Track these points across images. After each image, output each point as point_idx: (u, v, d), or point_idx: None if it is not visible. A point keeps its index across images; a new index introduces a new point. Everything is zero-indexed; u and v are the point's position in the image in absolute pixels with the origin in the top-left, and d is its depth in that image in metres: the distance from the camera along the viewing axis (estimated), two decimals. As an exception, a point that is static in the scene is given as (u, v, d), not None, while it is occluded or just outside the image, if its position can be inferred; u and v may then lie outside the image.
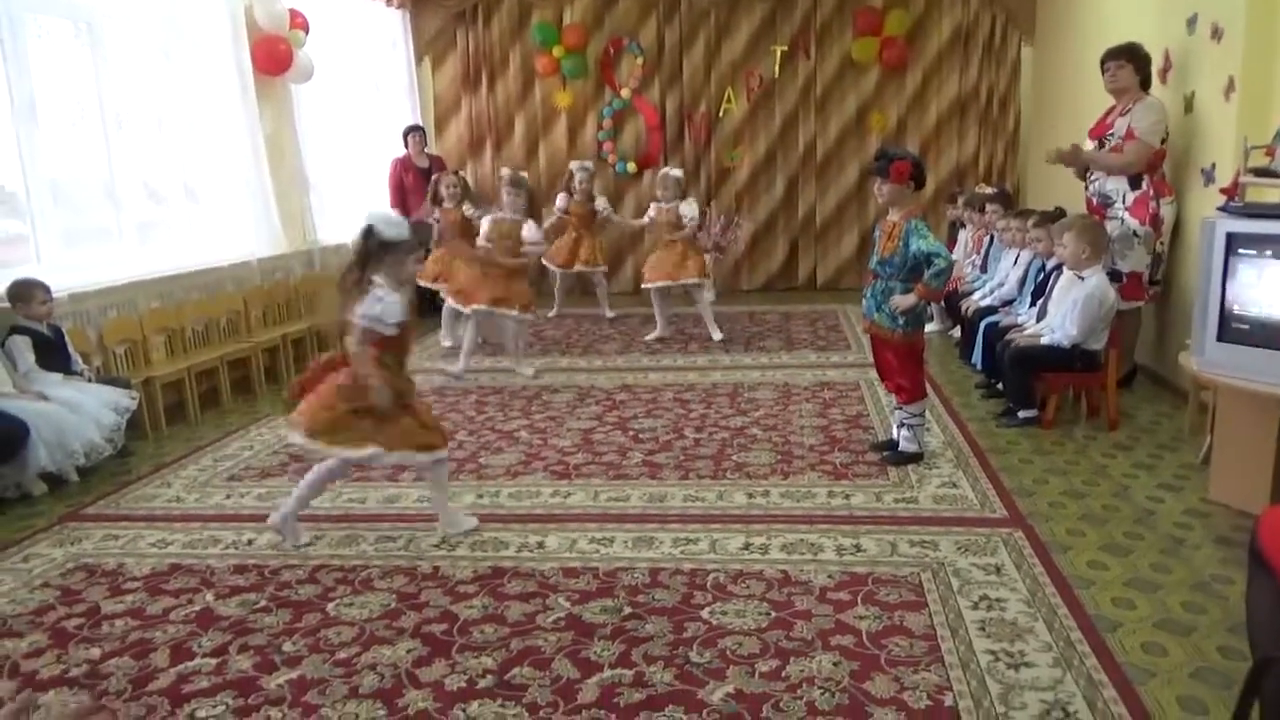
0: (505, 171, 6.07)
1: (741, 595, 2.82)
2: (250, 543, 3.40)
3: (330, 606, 2.86)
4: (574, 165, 7.57)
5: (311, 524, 3.53)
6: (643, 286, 6.82)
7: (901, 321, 3.83)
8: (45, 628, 2.80)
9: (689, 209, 6.69)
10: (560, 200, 7.49)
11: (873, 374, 5.49)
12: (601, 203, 7.59)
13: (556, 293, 7.86)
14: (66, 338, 4.44)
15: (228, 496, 3.91)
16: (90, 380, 4.40)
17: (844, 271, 9.06)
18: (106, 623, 2.81)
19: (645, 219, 7.00)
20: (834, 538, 3.22)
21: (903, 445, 4.00)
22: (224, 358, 5.44)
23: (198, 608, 2.89)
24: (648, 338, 6.79)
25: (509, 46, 8.96)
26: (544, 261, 7.42)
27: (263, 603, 2.91)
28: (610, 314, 7.74)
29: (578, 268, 7.59)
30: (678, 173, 6.92)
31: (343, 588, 2.99)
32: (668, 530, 3.35)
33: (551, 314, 7.78)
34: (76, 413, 4.05)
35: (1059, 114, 7.15)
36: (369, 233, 3.14)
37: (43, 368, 4.20)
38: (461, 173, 7.34)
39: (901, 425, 4.00)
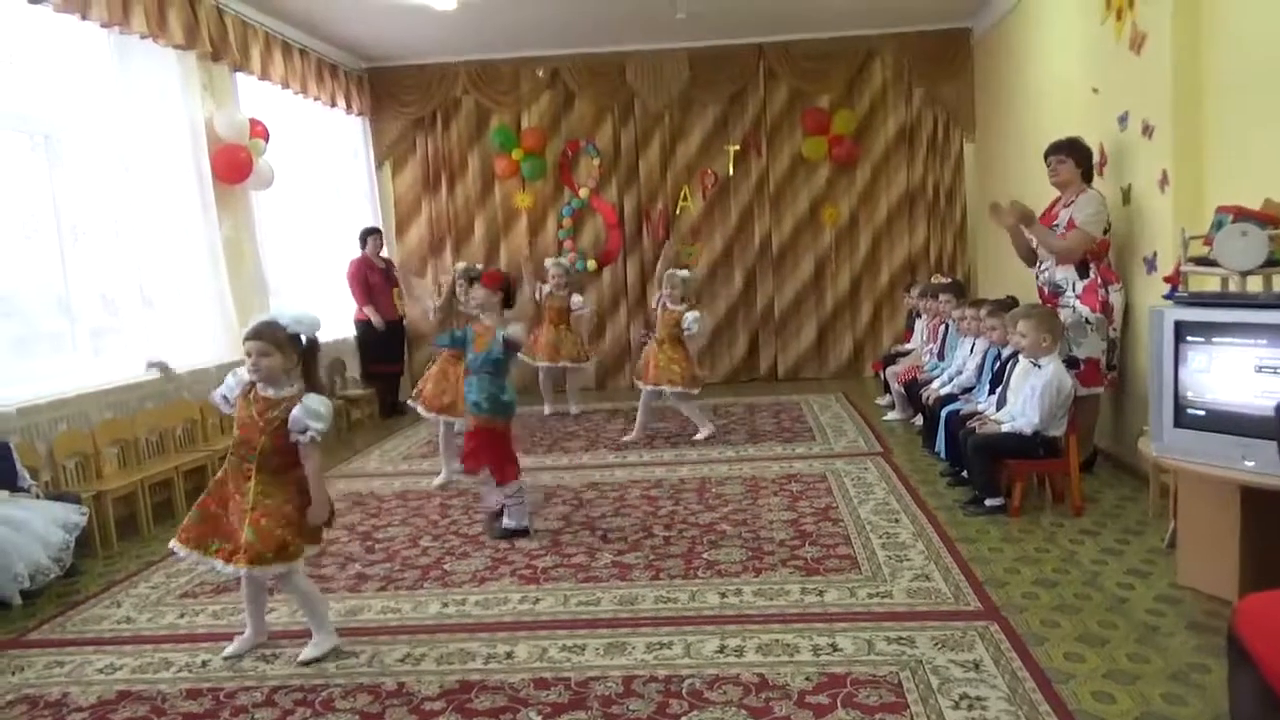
0: (460, 266, 5.98)
1: (719, 702, 2.74)
2: (204, 664, 3.24)
3: (289, 732, 2.73)
4: (549, 261, 7.68)
5: (269, 641, 3.40)
6: (639, 385, 6.58)
7: (485, 406, 4.33)
8: (-18, 768, 2.63)
9: (692, 318, 6.39)
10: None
11: (838, 464, 5.54)
12: (577, 299, 7.62)
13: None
14: (14, 453, 4.29)
15: (181, 615, 3.75)
16: (38, 496, 4.25)
17: (804, 362, 9.18)
18: (48, 759, 2.65)
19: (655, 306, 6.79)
20: (809, 637, 3.16)
21: (504, 522, 4.47)
22: (179, 468, 5.30)
23: (147, 739, 2.74)
24: (624, 439, 6.59)
25: (468, 150, 9.14)
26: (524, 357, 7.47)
27: (217, 730, 2.77)
28: (575, 410, 7.73)
29: (562, 363, 7.57)
30: (685, 273, 6.65)
31: (302, 710, 2.86)
32: (640, 635, 3.27)
33: (547, 412, 7.73)
34: (22, 532, 3.88)
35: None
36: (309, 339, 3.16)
37: (-12, 485, 4.06)
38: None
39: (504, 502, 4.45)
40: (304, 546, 3.16)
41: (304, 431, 3.03)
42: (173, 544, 3.18)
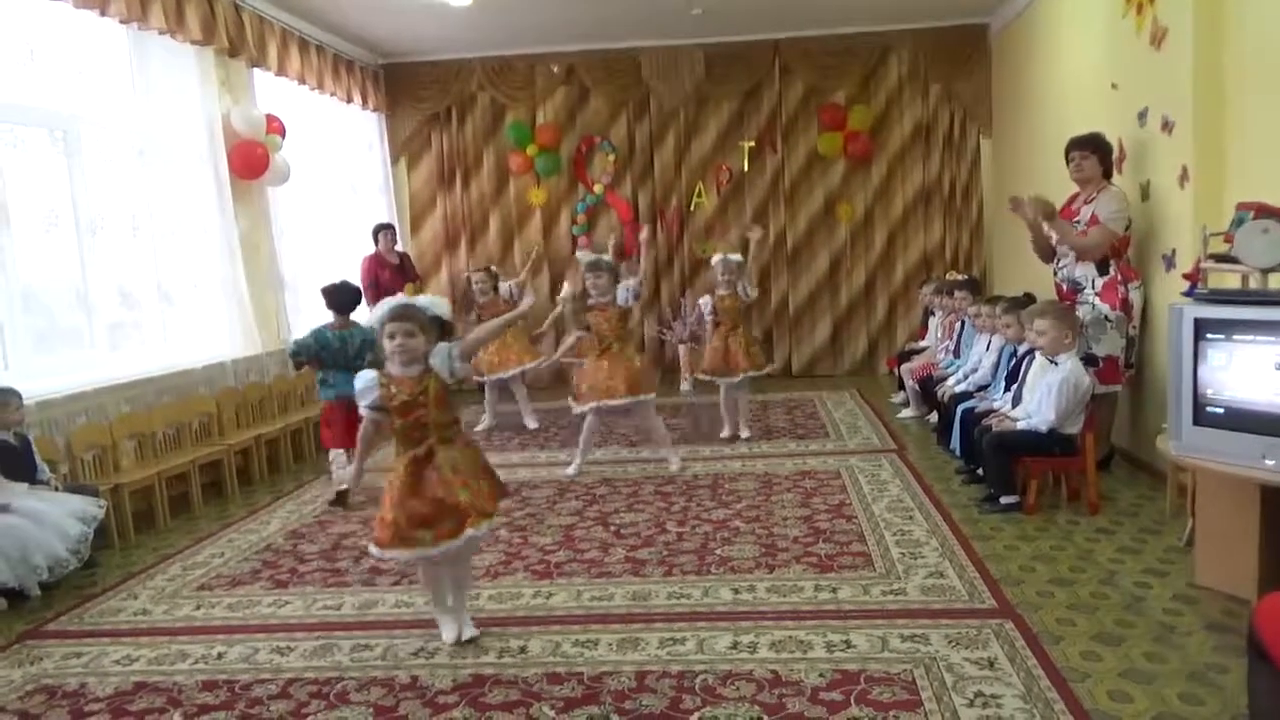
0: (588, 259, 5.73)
1: (731, 698, 2.73)
2: (220, 656, 3.27)
3: (304, 724, 2.75)
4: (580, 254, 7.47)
5: (284, 634, 3.42)
6: (711, 380, 6.30)
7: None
8: (0, 756, 2.65)
9: (744, 287, 6.24)
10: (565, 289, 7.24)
11: (853, 461, 5.52)
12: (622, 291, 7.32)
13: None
14: (33, 445, 4.33)
15: (197, 607, 3.78)
16: (57, 489, 4.28)
17: (819, 359, 9.15)
18: (66, 749, 2.68)
19: (705, 308, 6.36)
20: (823, 634, 3.15)
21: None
22: (195, 461, 5.34)
23: (164, 729, 2.76)
24: (724, 435, 6.38)
25: (483, 146, 9.15)
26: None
27: (233, 722, 2.78)
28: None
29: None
30: (738, 257, 6.37)
31: (317, 702, 2.87)
32: (653, 630, 3.26)
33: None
34: (41, 525, 3.91)
35: (1020, 202, 7.36)
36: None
37: (7, 477, 4.08)
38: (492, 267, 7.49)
39: None
40: (502, 496, 3.26)
41: (448, 356, 3.12)
42: (387, 554, 3.12)
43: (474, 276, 7.10)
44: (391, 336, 3.08)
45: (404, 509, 3.07)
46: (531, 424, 7.12)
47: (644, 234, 5.91)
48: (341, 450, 5.23)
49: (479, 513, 3.07)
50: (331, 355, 5.22)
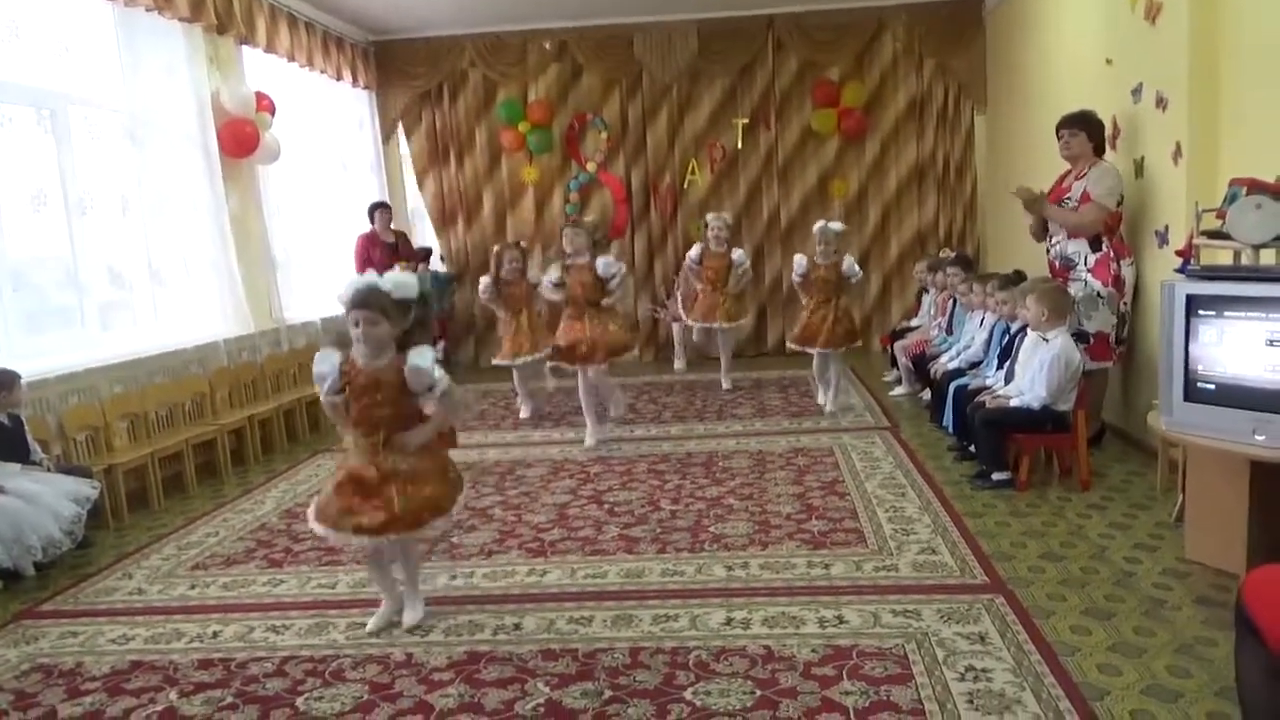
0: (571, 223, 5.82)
1: (725, 674, 2.75)
2: (215, 635, 3.28)
3: (300, 701, 2.76)
4: (709, 217, 7.26)
5: (279, 613, 3.43)
6: (798, 349, 6.25)
7: None
8: (-3, 735, 2.67)
9: (850, 263, 6.10)
10: (695, 251, 7.23)
11: (846, 438, 5.53)
12: (739, 254, 7.18)
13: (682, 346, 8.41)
14: (25, 426, 4.32)
15: (192, 587, 3.79)
16: (49, 469, 4.28)
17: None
18: (63, 727, 2.69)
19: (800, 266, 6.19)
20: (815, 609, 3.17)
21: None
22: (189, 441, 5.33)
23: (160, 707, 2.77)
24: (826, 409, 6.27)
25: (475, 124, 9.09)
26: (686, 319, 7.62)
27: (228, 699, 2.79)
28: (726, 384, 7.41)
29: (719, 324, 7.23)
30: (838, 225, 6.18)
31: (312, 680, 2.89)
32: (647, 607, 3.28)
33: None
34: (34, 505, 3.91)
35: (1013, 179, 7.33)
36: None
37: (0, 458, 4.08)
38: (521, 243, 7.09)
39: None
40: (454, 500, 3.16)
41: (431, 388, 3.01)
42: (314, 525, 3.10)
43: (506, 254, 6.47)
44: (355, 324, 2.96)
45: (339, 491, 3.04)
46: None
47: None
48: None
49: (407, 523, 3.01)
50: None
